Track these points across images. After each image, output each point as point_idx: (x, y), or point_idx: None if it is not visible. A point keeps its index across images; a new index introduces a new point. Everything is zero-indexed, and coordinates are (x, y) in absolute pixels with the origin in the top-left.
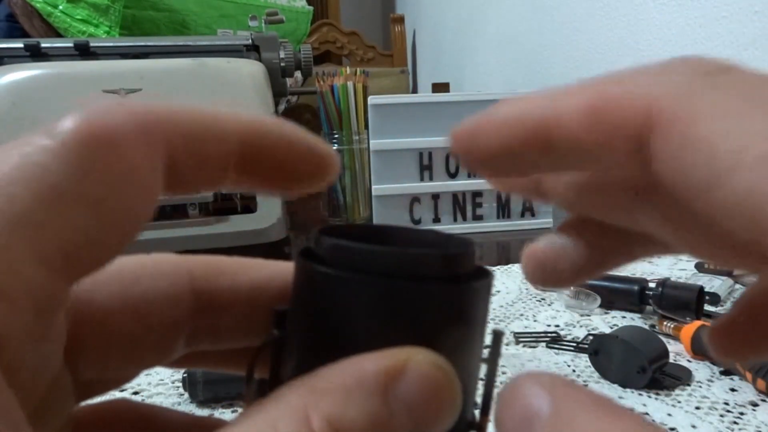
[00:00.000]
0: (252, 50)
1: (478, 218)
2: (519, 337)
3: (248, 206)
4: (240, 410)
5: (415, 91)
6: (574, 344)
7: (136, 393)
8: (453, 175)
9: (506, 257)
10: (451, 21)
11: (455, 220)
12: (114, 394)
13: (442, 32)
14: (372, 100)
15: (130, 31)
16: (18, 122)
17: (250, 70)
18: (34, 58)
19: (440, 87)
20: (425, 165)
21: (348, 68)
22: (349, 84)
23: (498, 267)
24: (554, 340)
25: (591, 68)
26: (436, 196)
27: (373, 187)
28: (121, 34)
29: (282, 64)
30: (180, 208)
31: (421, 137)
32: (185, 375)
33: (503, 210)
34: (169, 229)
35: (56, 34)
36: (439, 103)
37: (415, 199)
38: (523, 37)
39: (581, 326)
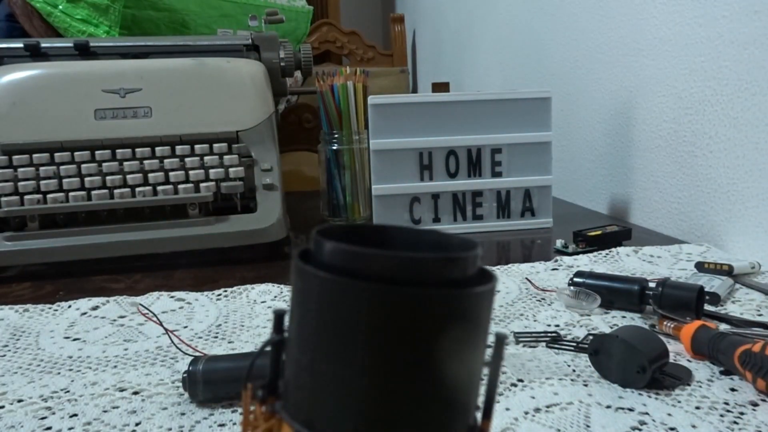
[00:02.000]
0: (252, 50)
1: (478, 218)
2: (519, 337)
3: (248, 206)
4: (240, 410)
5: (415, 90)
6: (574, 344)
7: (135, 393)
8: (453, 175)
9: (506, 257)
10: (451, 20)
11: (455, 219)
12: (114, 394)
13: (442, 32)
14: (372, 100)
15: (129, 30)
16: (18, 122)
17: (250, 69)
18: (34, 58)
19: (440, 86)
20: (425, 165)
21: (348, 68)
22: (349, 84)
23: (498, 267)
24: (554, 340)
25: (592, 68)
26: (436, 196)
27: (373, 186)
28: (121, 33)
29: (282, 64)
30: (180, 207)
31: (421, 137)
32: (185, 375)
33: (503, 210)
34: (169, 229)
35: (56, 33)
36: (439, 103)
37: (415, 198)
38: (523, 37)
39: (581, 326)
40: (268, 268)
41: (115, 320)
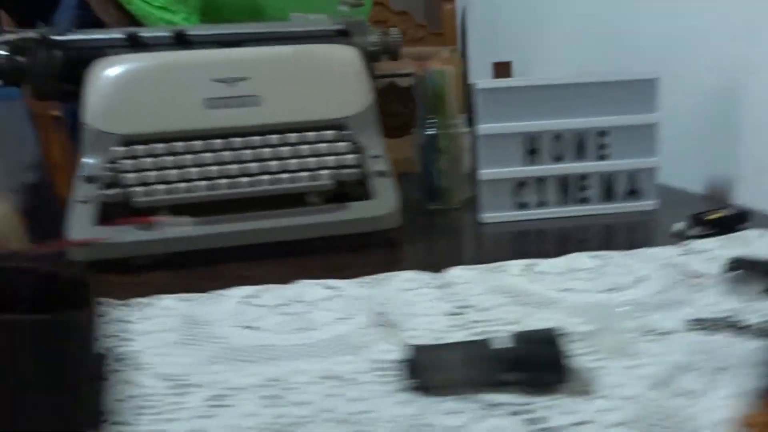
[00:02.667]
0: (342, 35)
1: (583, 201)
2: (697, 325)
3: (361, 193)
4: (459, 398)
5: (466, 71)
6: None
7: (345, 380)
8: (559, 159)
9: (627, 241)
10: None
11: (561, 203)
12: (324, 383)
13: (497, 11)
14: (480, 84)
15: (207, 17)
16: (132, 113)
17: (350, 55)
18: (135, 49)
19: (502, 67)
20: (531, 149)
21: (445, 51)
22: (447, 67)
23: (627, 251)
24: (739, 326)
25: (693, 47)
26: (541, 180)
27: (479, 171)
28: (201, 20)
29: (371, 48)
30: (295, 195)
31: (528, 121)
32: (406, 361)
33: (607, 193)
34: (291, 217)
35: (132, 22)
36: (546, 86)
37: (521, 183)
38: (604, 15)
39: (753, 312)
40: (388, 254)
41: (276, 308)
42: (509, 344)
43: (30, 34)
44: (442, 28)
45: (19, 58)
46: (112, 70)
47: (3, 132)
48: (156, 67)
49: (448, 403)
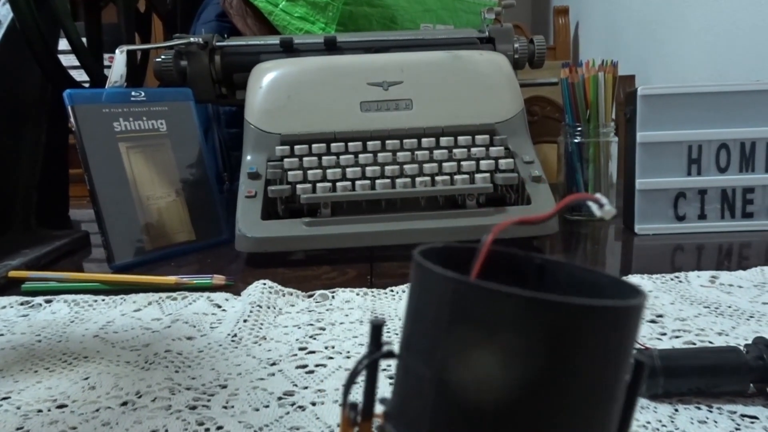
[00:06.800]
0: (487, 42)
1: (747, 216)
2: None
3: (518, 199)
4: (707, 408)
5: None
6: None
7: None
8: (723, 170)
9: None
10: (634, 12)
11: (722, 217)
12: None
13: (616, 25)
14: (642, 90)
15: (344, 27)
16: (293, 114)
17: (501, 61)
18: (288, 54)
19: (625, 80)
20: (693, 158)
21: (598, 59)
22: (600, 75)
23: None
24: None
25: None
26: (703, 191)
27: (638, 181)
28: (337, 30)
29: (516, 56)
30: (450, 198)
31: (691, 129)
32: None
33: None
34: (447, 219)
35: (270, 31)
36: (713, 94)
37: (680, 194)
38: (741, 23)
39: None
40: None
41: None
42: (760, 354)
43: (193, 39)
44: (553, 42)
45: (182, 63)
46: (273, 74)
47: (175, 130)
48: (315, 70)
49: (692, 411)
